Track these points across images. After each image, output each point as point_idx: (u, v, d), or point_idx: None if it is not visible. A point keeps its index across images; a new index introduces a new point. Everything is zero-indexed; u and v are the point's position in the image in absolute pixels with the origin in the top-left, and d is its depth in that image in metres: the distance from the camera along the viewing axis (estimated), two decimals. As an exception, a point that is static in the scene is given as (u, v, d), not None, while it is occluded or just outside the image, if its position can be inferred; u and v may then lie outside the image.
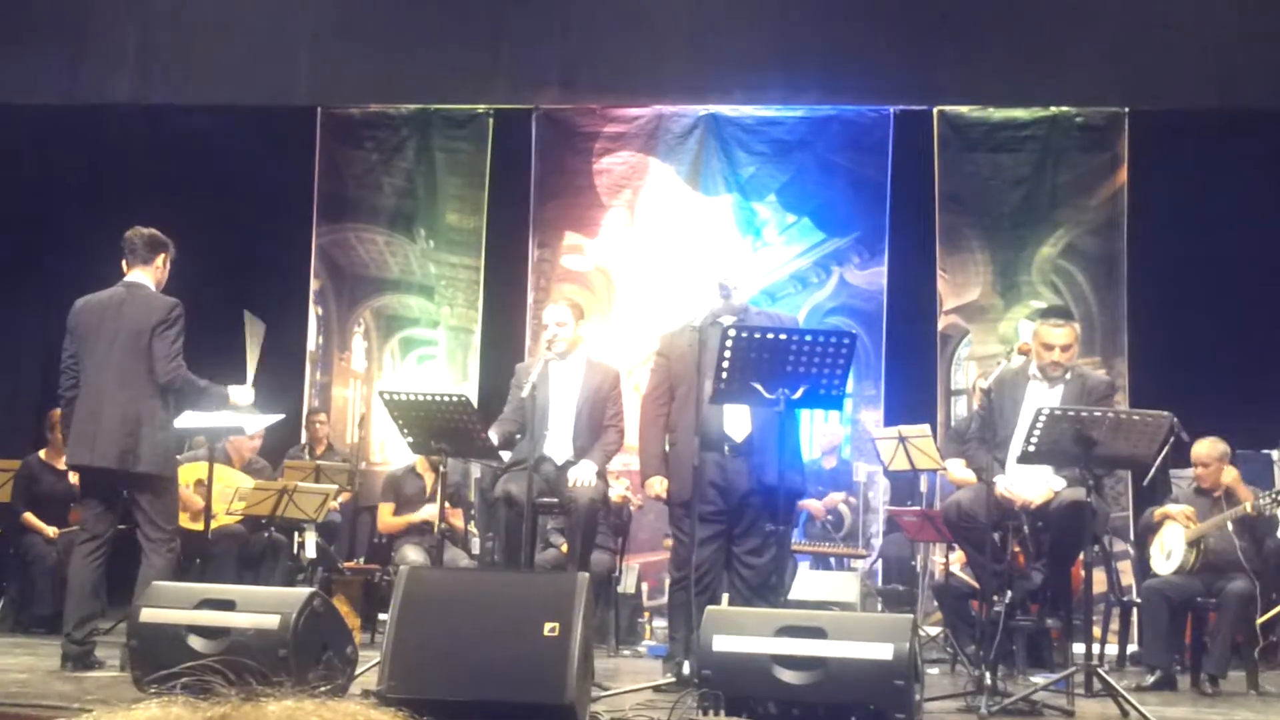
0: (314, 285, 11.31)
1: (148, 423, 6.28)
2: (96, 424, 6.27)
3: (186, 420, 6.71)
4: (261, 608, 5.03)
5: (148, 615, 5.07)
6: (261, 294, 10.88)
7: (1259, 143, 10.04)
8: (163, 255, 6.57)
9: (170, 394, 6.36)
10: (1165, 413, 6.02)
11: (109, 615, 6.72)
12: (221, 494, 8.26)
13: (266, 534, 8.45)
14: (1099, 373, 8.42)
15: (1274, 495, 7.54)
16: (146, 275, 6.51)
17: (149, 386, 6.29)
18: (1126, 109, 10.59)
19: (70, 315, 6.51)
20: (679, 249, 10.92)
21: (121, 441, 6.23)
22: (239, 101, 11.05)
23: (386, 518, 9.18)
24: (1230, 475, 7.65)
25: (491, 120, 11.27)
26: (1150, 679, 7.22)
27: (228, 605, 5.05)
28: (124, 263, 6.55)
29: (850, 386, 10.03)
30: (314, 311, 11.30)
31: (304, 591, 5.25)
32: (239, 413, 6.85)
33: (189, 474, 8.22)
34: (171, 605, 5.09)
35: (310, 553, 8.61)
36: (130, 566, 6.39)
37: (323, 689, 1.24)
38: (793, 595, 8.46)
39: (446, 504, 7.29)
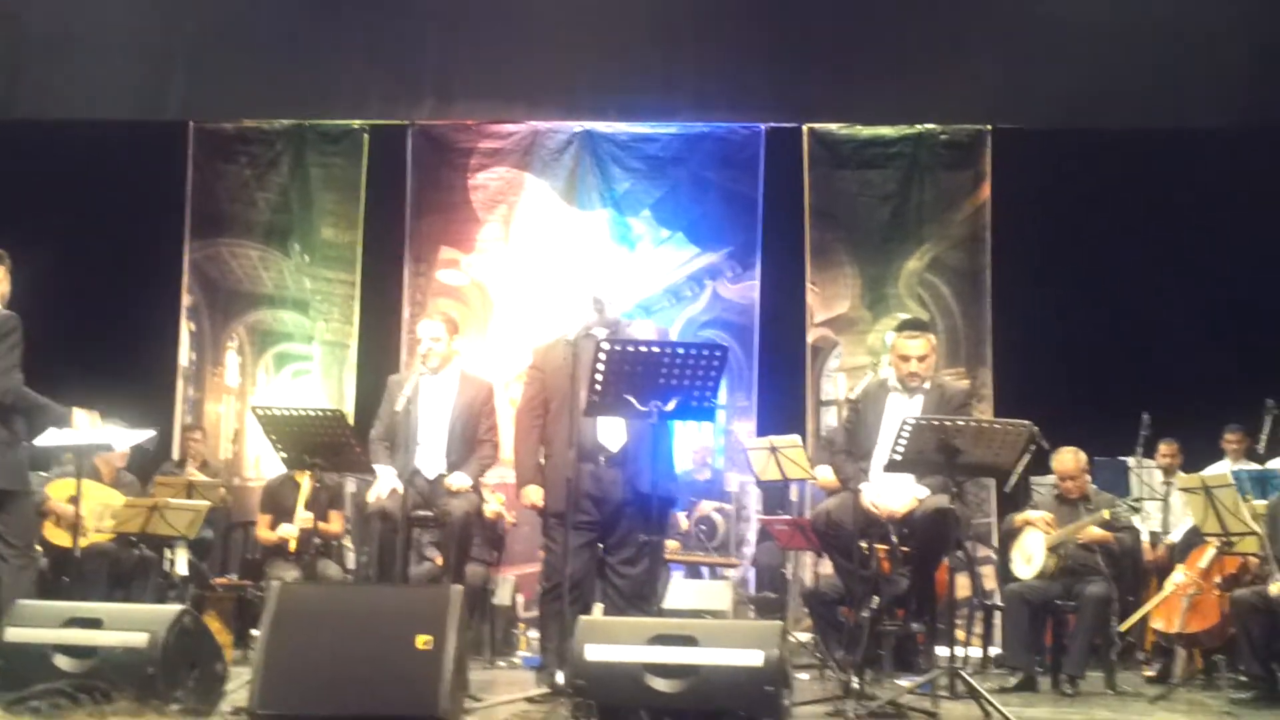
0: (186, 301, 11.18)
1: None
2: None
3: (51, 438, 6.59)
4: (130, 625, 4.97)
5: (12, 635, 4.99)
6: (133, 309, 10.76)
7: (1116, 161, 10.36)
8: None
9: (15, 411, 6.23)
10: (1026, 422, 6.17)
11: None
12: (92, 511, 8.16)
13: (137, 551, 8.34)
14: (960, 383, 8.63)
15: (1131, 503, 7.80)
16: None
17: None
18: (989, 127, 10.89)
19: None
20: (554, 263, 10.99)
21: None
22: (109, 116, 10.90)
23: (264, 530, 9.08)
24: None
25: (366, 135, 11.25)
26: (1012, 680, 7.40)
27: (95, 623, 4.99)
28: None
29: (723, 398, 10.20)
30: (186, 327, 11.17)
31: (174, 609, 5.21)
32: (107, 431, 6.74)
33: (61, 490, 8.10)
34: (37, 624, 5.02)
35: (181, 569, 8.52)
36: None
37: (174, 709, 1.28)
38: (666, 604, 8.55)
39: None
